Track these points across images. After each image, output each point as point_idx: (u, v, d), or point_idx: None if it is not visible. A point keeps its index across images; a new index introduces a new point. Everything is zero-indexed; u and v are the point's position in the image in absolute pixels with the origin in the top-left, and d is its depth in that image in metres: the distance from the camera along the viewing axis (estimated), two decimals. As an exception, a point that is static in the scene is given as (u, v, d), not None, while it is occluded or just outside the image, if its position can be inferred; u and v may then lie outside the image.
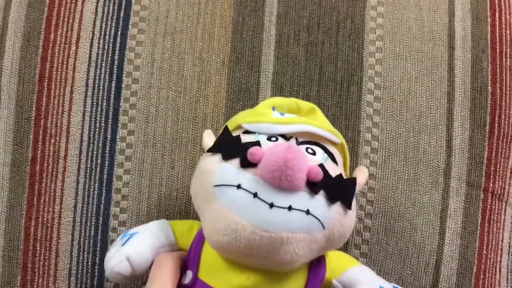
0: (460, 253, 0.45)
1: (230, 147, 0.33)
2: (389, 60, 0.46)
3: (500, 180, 0.46)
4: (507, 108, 0.46)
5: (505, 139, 0.46)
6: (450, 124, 0.45)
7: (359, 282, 0.35)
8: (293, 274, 0.34)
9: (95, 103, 0.44)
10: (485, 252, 0.46)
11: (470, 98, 0.46)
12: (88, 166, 0.44)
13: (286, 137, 0.34)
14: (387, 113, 0.45)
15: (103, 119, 0.44)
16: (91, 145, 0.44)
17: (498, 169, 0.46)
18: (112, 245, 0.38)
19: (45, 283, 0.44)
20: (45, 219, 0.44)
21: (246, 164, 0.31)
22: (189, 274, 0.34)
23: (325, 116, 0.38)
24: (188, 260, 0.36)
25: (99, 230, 0.44)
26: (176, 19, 0.46)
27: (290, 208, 0.30)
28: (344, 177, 0.34)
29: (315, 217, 0.31)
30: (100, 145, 0.44)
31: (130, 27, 0.45)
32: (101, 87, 0.44)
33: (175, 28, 0.46)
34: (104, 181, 0.44)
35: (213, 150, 0.34)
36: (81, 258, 0.44)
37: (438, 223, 0.45)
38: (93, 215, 0.44)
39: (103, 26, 0.45)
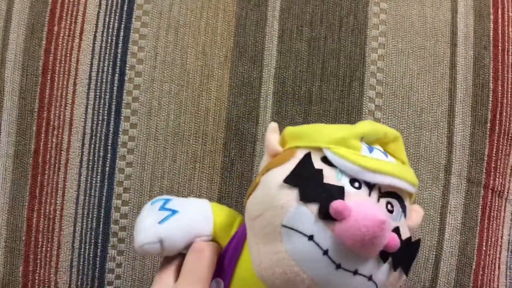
0: (459, 249, 0.45)
1: (311, 185, 0.29)
2: (392, 56, 0.46)
3: (501, 177, 0.47)
4: (508, 106, 0.46)
5: (506, 136, 0.46)
6: (452, 120, 0.46)
7: None
8: None
9: (98, 96, 0.44)
10: (484, 249, 0.46)
11: (472, 95, 0.46)
12: (91, 158, 0.44)
13: (370, 184, 0.30)
14: (389, 109, 0.45)
15: (105, 111, 0.44)
16: (93, 137, 0.44)
17: (498, 166, 0.46)
18: (151, 206, 0.36)
19: (46, 274, 0.44)
20: (47, 210, 0.44)
21: (326, 215, 0.27)
22: (221, 285, 0.33)
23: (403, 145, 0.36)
24: (221, 266, 0.33)
25: (101, 223, 0.44)
26: (179, 13, 0.46)
27: (355, 272, 0.28)
28: (411, 238, 0.31)
29: (375, 283, 0.29)
30: (103, 137, 0.44)
31: (133, 21, 0.45)
32: (104, 80, 0.45)
33: (178, 22, 0.46)
34: (106, 173, 0.44)
35: (290, 181, 0.29)
36: (82, 250, 0.44)
37: (438, 219, 0.45)
38: (95, 207, 0.44)
39: (107, 19, 0.45)
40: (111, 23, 0.45)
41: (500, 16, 0.47)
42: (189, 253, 0.33)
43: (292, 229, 0.28)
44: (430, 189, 0.45)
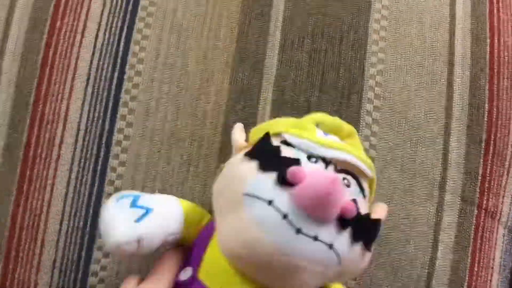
0: (451, 268, 0.45)
1: (269, 157, 0.31)
2: (390, 71, 0.46)
3: (494, 197, 0.47)
4: (503, 127, 0.47)
5: (500, 157, 0.47)
6: (447, 138, 0.46)
7: None
8: None
9: (95, 92, 0.44)
10: (476, 269, 0.46)
11: (468, 114, 0.47)
12: (83, 155, 0.43)
13: (326, 160, 0.32)
14: (386, 123, 0.45)
15: (102, 109, 0.44)
16: (87, 134, 0.44)
17: (492, 187, 0.46)
18: (118, 205, 0.33)
19: (27, 274, 0.43)
20: (33, 206, 0.43)
21: (284, 181, 0.29)
22: (188, 271, 0.32)
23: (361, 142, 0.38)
24: (189, 256, 0.34)
25: (88, 222, 0.43)
26: (183, 17, 0.46)
27: (315, 238, 0.29)
28: (371, 216, 0.33)
29: (336, 252, 0.30)
30: (97, 135, 0.44)
31: (137, 21, 0.45)
32: (103, 77, 0.44)
33: (182, 26, 0.46)
34: (98, 171, 0.43)
35: (250, 155, 0.32)
36: (67, 250, 0.43)
37: (432, 236, 0.45)
38: (83, 206, 0.43)
39: (110, 17, 0.45)
40: (115, 22, 0.45)
41: (496, 41, 0.49)
42: (156, 263, 0.34)
43: (253, 196, 0.30)
44: (424, 205, 0.45)
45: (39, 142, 0.43)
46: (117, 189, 0.43)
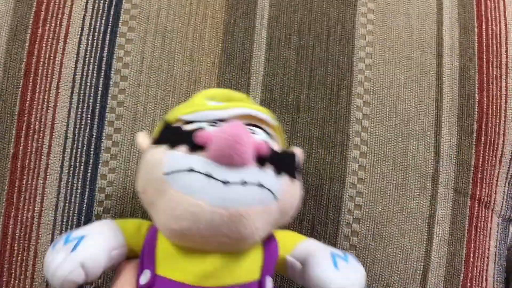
0: (447, 260, 0.45)
1: (175, 136, 0.33)
2: (379, 65, 0.46)
3: (487, 187, 0.47)
4: (494, 116, 0.47)
5: (492, 147, 0.47)
6: (438, 130, 0.46)
7: (313, 251, 0.37)
8: (249, 254, 0.34)
9: (81, 100, 0.43)
10: (472, 260, 0.46)
11: (458, 105, 0.46)
12: (72, 163, 0.43)
13: (225, 121, 0.34)
14: (376, 118, 0.45)
15: (89, 116, 0.43)
16: (75, 142, 0.43)
17: (485, 177, 0.46)
18: (53, 249, 0.34)
19: (21, 285, 0.42)
20: (24, 217, 0.42)
21: (194, 148, 0.32)
22: (147, 273, 0.33)
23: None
24: (142, 260, 0.34)
25: (81, 231, 0.43)
26: (167, 18, 0.45)
27: (243, 182, 0.31)
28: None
29: (267, 188, 0.32)
30: (85, 142, 0.43)
31: (120, 25, 0.45)
32: (88, 84, 0.44)
33: (166, 28, 0.45)
34: (88, 179, 0.43)
35: (157, 142, 0.34)
36: (60, 260, 0.42)
37: (426, 229, 0.45)
38: (74, 214, 0.43)
39: (93, 22, 0.44)
40: (97, 27, 0.44)
41: (484, 29, 0.48)
42: (115, 277, 0.35)
43: (172, 172, 0.31)
44: (417, 199, 0.45)
45: (26, 152, 0.43)
46: (108, 196, 0.43)
